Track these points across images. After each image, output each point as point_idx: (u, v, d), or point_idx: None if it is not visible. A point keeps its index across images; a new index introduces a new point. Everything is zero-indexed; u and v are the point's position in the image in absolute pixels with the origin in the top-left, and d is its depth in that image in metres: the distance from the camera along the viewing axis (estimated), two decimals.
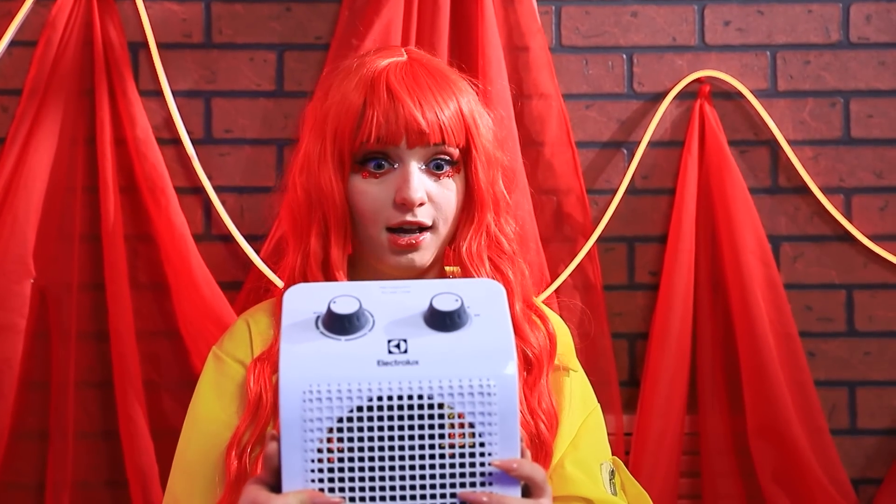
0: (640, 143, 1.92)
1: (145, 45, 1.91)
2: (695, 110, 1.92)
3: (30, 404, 1.91)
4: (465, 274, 1.30)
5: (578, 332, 1.93)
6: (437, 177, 1.27)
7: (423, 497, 1.01)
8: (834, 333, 1.94)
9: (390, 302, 1.07)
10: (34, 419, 1.91)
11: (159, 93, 1.91)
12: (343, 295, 1.04)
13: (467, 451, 1.01)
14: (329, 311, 1.03)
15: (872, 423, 1.94)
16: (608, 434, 1.88)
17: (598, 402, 1.82)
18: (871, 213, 1.94)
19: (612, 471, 1.38)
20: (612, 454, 1.85)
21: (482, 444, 1.01)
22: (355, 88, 1.26)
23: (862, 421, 1.93)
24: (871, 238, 1.92)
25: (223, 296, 1.85)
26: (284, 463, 1.01)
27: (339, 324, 1.03)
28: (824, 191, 1.92)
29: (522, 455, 1.03)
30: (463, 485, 1.01)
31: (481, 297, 1.07)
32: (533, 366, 1.32)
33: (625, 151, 1.94)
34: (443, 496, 1.01)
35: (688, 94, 1.93)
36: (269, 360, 1.26)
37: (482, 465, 1.01)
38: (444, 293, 1.05)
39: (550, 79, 1.92)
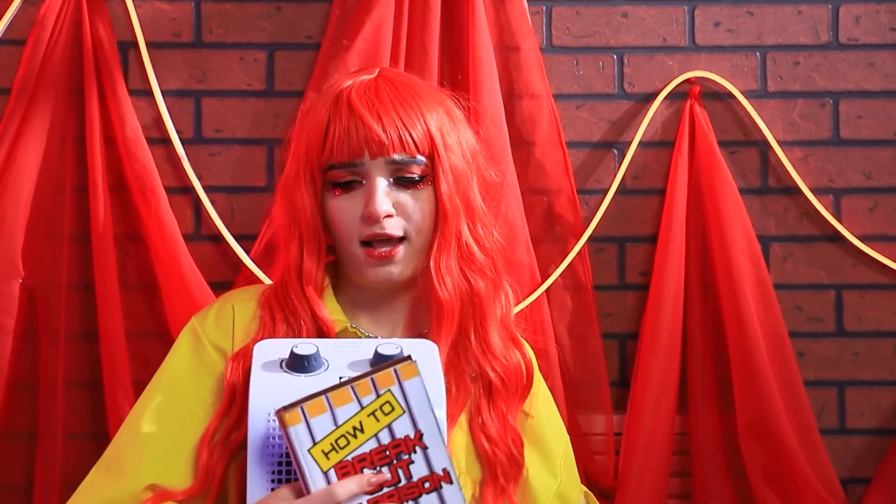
0: (630, 143, 1.94)
1: (135, 44, 1.92)
2: (685, 111, 1.93)
3: (18, 405, 1.90)
4: (428, 287, 1.32)
5: (569, 332, 1.96)
6: (409, 188, 1.31)
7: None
8: (823, 333, 1.96)
9: (343, 352, 1.25)
10: (22, 420, 1.91)
11: (149, 92, 1.91)
12: (304, 342, 1.24)
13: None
14: (291, 353, 1.22)
15: (861, 423, 1.95)
16: (598, 434, 1.93)
17: (589, 401, 1.84)
18: (861, 213, 1.95)
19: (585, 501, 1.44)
20: (603, 454, 1.91)
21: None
22: (322, 107, 1.33)
23: (851, 420, 1.95)
24: (861, 238, 1.94)
25: (214, 296, 1.85)
26: (250, 472, 1.18)
27: (299, 363, 1.22)
28: (814, 191, 1.94)
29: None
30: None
31: (418, 349, 1.24)
32: (498, 391, 1.34)
33: (615, 152, 1.95)
34: None
35: (678, 95, 1.95)
36: (245, 356, 1.29)
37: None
38: (387, 343, 1.23)
39: (541, 79, 1.93)
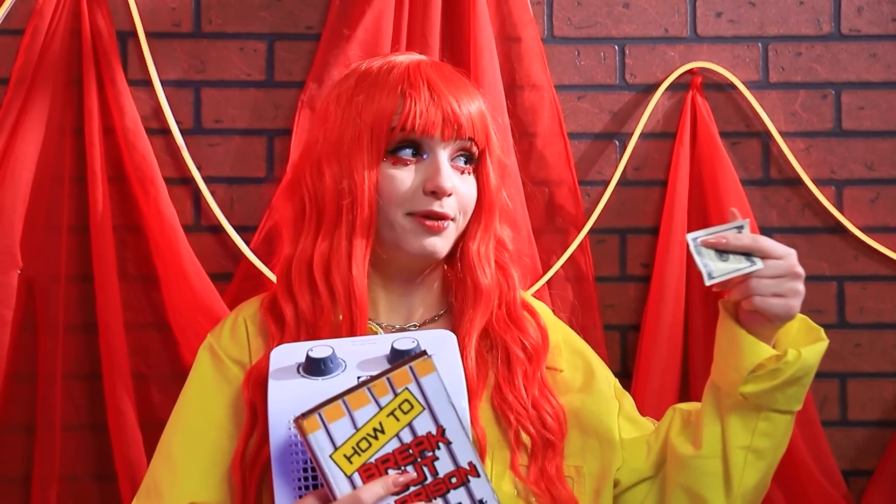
0: (632, 134, 1.93)
1: (134, 34, 1.90)
2: (686, 102, 1.93)
3: (16, 397, 1.89)
4: (470, 273, 1.35)
5: (570, 323, 1.95)
6: (461, 171, 1.34)
7: None
8: (825, 325, 1.90)
9: (359, 351, 1.23)
10: (21, 412, 1.90)
11: (148, 82, 1.90)
12: (319, 344, 1.23)
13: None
14: (307, 358, 1.20)
15: (863, 415, 1.95)
16: None
17: None
18: (863, 204, 1.95)
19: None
20: None
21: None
22: (392, 81, 1.32)
23: (853, 413, 1.95)
24: (863, 230, 1.94)
25: (213, 287, 1.84)
26: (276, 482, 1.17)
27: (316, 367, 1.20)
28: (816, 182, 1.93)
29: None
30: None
31: (436, 341, 1.23)
32: (532, 358, 1.34)
33: (617, 143, 1.95)
34: None
35: (680, 86, 1.94)
36: (259, 371, 1.29)
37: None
38: (403, 338, 1.22)
39: (542, 70, 1.92)
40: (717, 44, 1.95)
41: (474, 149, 1.34)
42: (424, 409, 1.10)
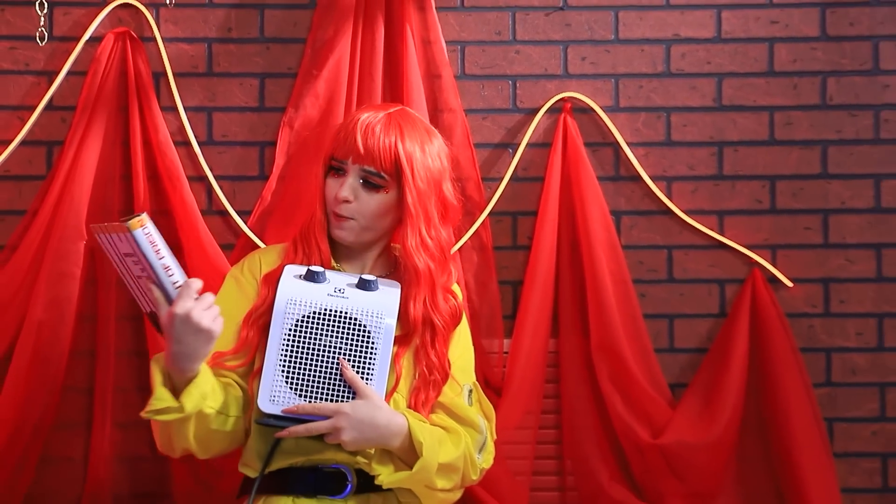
0: (520, 144, 2.57)
1: (164, 73, 2.53)
2: (560, 121, 2.55)
3: (82, 331, 2.46)
4: (408, 258, 1.98)
5: (475, 280, 2.57)
6: (370, 190, 1.98)
7: (332, 366, 1.86)
8: (658, 280, 2.61)
9: (339, 277, 1.96)
10: (85, 341, 2.47)
11: (174, 108, 2.53)
12: (316, 266, 1.94)
13: (361, 346, 1.87)
14: (308, 271, 1.92)
15: (685, 344, 2.60)
16: (494, 353, 2.55)
17: (489, 329, 2.50)
18: (686, 194, 2.61)
19: (471, 390, 2.08)
20: (496, 368, 2.53)
21: (369, 345, 1.88)
22: (344, 122, 2.03)
23: (678, 342, 2.59)
24: (685, 212, 2.58)
25: (222, 253, 2.48)
26: (270, 338, 1.87)
27: (312, 276, 1.92)
28: (652, 178, 2.58)
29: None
30: (353, 365, 1.87)
31: (388, 285, 1.96)
32: (440, 329, 2.01)
33: (510, 150, 2.61)
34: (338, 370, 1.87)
35: (555, 109, 2.58)
36: (272, 278, 1.98)
37: (366, 357, 1.87)
38: (367, 276, 1.94)
39: (455, 98, 2.55)
40: (582, 79, 2.61)
41: (378, 174, 1.95)
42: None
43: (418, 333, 2.00)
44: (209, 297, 1.80)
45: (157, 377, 1.85)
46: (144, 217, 1.78)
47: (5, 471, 2.42)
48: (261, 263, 2.07)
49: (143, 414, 1.85)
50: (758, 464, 2.56)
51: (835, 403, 2.61)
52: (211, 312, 1.79)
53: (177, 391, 1.84)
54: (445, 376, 2.01)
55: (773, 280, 2.60)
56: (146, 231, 1.76)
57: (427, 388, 2.00)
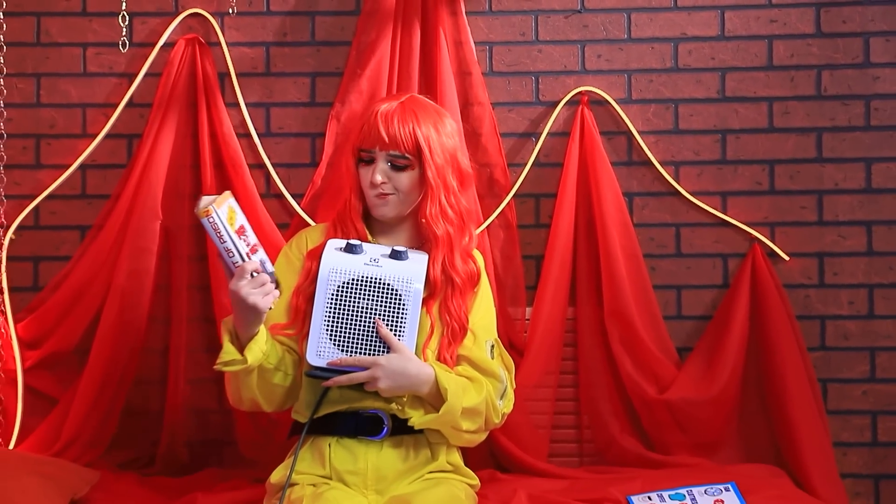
0: (542, 133, 2.85)
1: (228, 74, 2.85)
2: (578, 112, 2.82)
3: (158, 300, 2.78)
4: (428, 226, 2.25)
5: (501, 254, 2.84)
6: (398, 170, 2.25)
7: (369, 325, 2.14)
8: (667, 255, 2.87)
9: (375, 248, 2.22)
10: (161, 309, 2.79)
11: (237, 104, 2.84)
12: (354, 241, 2.20)
13: (393, 311, 2.14)
14: (347, 244, 2.18)
15: (691, 312, 2.86)
16: (518, 319, 2.82)
17: (513, 298, 2.75)
18: (692, 177, 2.87)
19: (493, 345, 2.35)
20: (519, 333, 2.79)
21: (400, 306, 2.14)
22: (364, 116, 2.29)
23: (685, 310, 2.86)
24: (692, 193, 2.85)
25: (277, 231, 2.78)
26: (316, 302, 2.15)
27: (350, 248, 2.19)
28: (661, 163, 2.85)
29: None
30: (386, 323, 2.14)
31: (416, 254, 2.22)
32: (459, 286, 2.28)
33: (533, 139, 2.89)
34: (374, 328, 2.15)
35: (573, 102, 2.85)
36: (316, 253, 2.27)
37: (397, 317, 2.14)
38: (400, 247, 2.20)
39: (484, 92, 2.82)
40: (598, 75, 2.88)
41: (403, 155, 2.21)
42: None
43: (440, 290, 2.28)
44: (262, 277, 2.10)
45: (225, 336, 2.18)
46: (220, 199, 2.08)
47: (94, 419, 2.77)
48: (307, 241, 2.37)
49: (215, 367, 2.18)
50: (756, 419, 2.81)
51: (829, 366, 2.85)
52: (261, 290, 2.10)
53: (242, 348, 2.17)
54: (464, 328, 2.28)
55: (772, 254, 2.86)
56: (211, 220, 2.06)
57: (450, 339, 2.27)
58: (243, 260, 2.09)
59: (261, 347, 2.18)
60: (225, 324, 2.20)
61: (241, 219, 2.11)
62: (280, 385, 2.26)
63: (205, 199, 2.08)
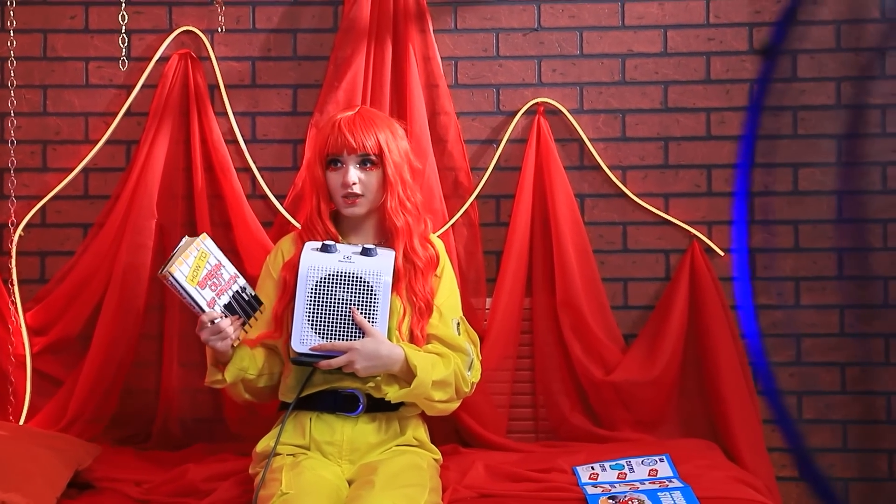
0: (502, 140, 3.11)
1: (217, 86, 3.11)
2: (534, 121, 3.09)
3: (154, 292, 3.02)
4: (388, 219, 2.53)
5: (465, 250, 3.10)
6: (365, 170, 2.53)
7: (345, 314, 2.40)
8: (615, 251, 3.15)
9: (346, 248, 2.49)
10: (156, 299, 3.04)
11: (225, 113, 3.10)
12: (329, 241, 2.44)
13: (365, 301, 2.40)
14: (322, 244, 2.44)
15: (636, 302, 3.14)
16: (480, 309, 3.08)
17: (475, 290, 3.02)
18: (637, 180, 3.15)
19: (459, 322, 2.63)
20: (480, 321, 3.02)
21: (372, 297, 2.41)
22: (326, 126, 2.55)
23: (631, 301, 3.14)
24: (637, 195, 3.13)
25: (262, 229, 3.04)
26: (298, 296, 2.40)
27: (325, 248, 2.46)
28: (610, 168, 3.12)
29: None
30: (360, 312, 2.39)
31: (385, 251, 2.48)
32: (420, 269, 2.57)
33: (494, 146, 3.15)
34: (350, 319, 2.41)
35: (531, 112, 3.12)
36: (290, 265, 2.54)
37: (370, 306, 2.40)
38: (370, 245, 2.46)
39: (450, 103, 3.09)
40: (553, 87, 3.15)
41: (370, 157, 2.48)
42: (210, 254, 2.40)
43: (405, 275, 2.56)
44: (219, 325, 2.40)
45: (209, 359, 2.53)
46: (189, 249, 2.41)
47: (96, 399, 3.04)
48: (282, 254, 2.64)
49: (205, 384, 2.54)
50: (693, 398, 3.10)
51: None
52: (218, 337, 2.42)
53: (223, 368, 2.52)
54: (429, 306, 2.56)
55: (709, 250, 3.13)
56: (169, 281, 2.39)
57: (419, 317, 2.55)
58: (202, 311, 2.41)
59: (237, 366, 2.52)
60: (208, 349, 2.51)
61: (214, 259, 2.44)
62: (266, 386, 2.61)
63: (176, 252, 2.42)
